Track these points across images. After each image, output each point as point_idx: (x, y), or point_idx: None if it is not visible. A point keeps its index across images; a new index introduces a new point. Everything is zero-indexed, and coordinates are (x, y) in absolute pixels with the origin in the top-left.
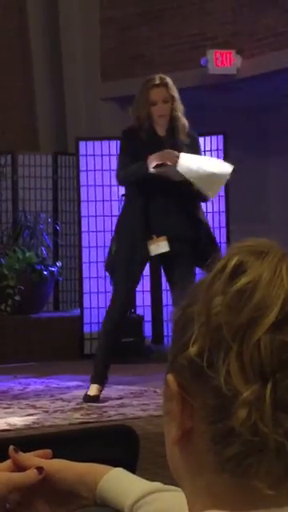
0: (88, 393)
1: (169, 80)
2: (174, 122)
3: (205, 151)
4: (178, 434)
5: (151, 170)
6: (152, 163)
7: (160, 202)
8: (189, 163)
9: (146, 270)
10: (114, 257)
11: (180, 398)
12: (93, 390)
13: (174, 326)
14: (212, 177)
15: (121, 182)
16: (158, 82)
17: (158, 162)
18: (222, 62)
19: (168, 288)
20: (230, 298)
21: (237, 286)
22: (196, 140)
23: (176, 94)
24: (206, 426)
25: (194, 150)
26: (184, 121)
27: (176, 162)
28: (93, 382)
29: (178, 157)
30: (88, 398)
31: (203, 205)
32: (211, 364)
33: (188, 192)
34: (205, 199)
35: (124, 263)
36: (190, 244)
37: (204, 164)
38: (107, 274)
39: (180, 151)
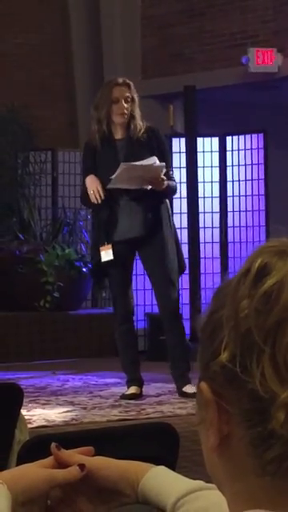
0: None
1: (131, 82)
2: (132, 122)
3: (245, 149)
4: (216, 441)
5: (108, 186)
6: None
7: (126, 208)
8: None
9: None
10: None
11: (215, 404)
12: (132, 389)
13: (201, 333)
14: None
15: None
16: (120, 81)
17: (93, 190)
18: (263, 60)
19: (207, 286)
20: (256, 300)
21: (263, 288)
22: (157, 133)
23: (136, 98)
24: (245, 431)
25: (157, 143)
26: (140, 123)
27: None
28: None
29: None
30: (125, 396)
31: (243, 203)
32: (245, 368)
33: (152, 192)
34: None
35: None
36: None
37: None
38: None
39: (137, 153)
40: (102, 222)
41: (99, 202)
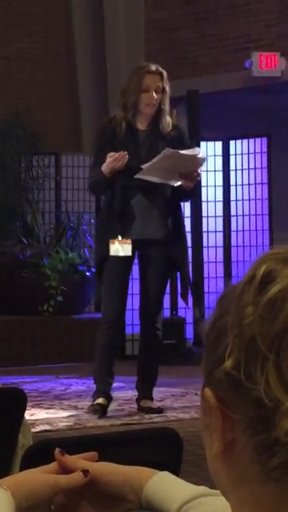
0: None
1: (164, 72)
2: (159, 115)
3: (248, 154)
4: (220, 447)
5: (138, 176)
6: (106, 171)
7: (140, 204)
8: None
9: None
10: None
11: (220, 411)
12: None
13: (205, 339)
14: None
15: (91, 192)
16: (153, 68)
17: (111, 169)
18: (267, 64)
19: (210, 290)
20: (261, 308)
21: (267, 295)
22: (183, 133)
23: (168, 88)
24: (248, 438)
25: (182, 144)
26: (169, 118)
27: (124, 163)
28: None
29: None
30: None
31: (247, 207)
32: (249, 376)
33: (172, 192)
34: (188, 196)
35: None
36: (163, 248)
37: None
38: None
39: (161, 148)
40: (116, 214)
41: (124, 163)
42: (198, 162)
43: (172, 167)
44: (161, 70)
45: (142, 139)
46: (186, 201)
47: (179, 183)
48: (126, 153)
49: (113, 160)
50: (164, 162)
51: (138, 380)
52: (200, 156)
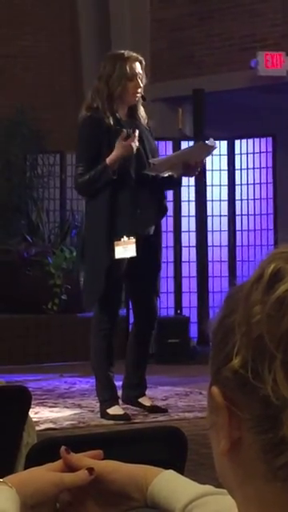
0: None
1: (143, 59)
2: (139, 105)
3: (253, 153)
4: (227, 446)
5: (146, 171)
6: (113, 161)
7: (129, 194)
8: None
9: (193, 271)
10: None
11: (227, 409)
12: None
13: (212, 337)
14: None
15: (82, 192)
16: (135, 55)
17: (120, 156)
18: (272, 63)
19: (215, 289)
20: (269, 306)
21: (275, 294)
22: (151, 128)
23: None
24: (255, 436)
25: (152, 137)
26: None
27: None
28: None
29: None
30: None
31: (252, 206)
32: (257, 374)
33: (161, 180)
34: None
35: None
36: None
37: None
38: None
39: (149, 139)
40: (119, 210)
41: (137, 146)
42: (208, 151)
43: (182, 159)
44: (140, 57)
45: (132, 131)
46: (172, 189)
47: (169, 173)
48: (136, 135)
49: (124, 145)
50: (184, 156)
51: (129, 376)
52: (213, 145)
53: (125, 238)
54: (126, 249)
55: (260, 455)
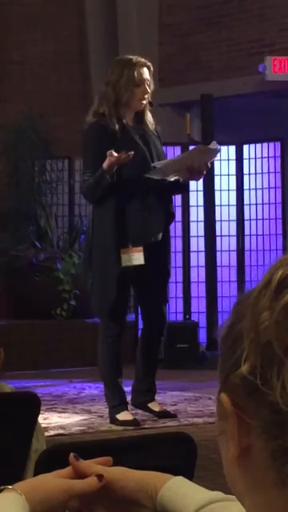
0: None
1: (151, 64)
2: (146, 111)
3: (262, 158)
4: (236, 452)
5: (148, 175)
6: (109, 167)
7: (136, 201)
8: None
9: (201, 276)
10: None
11: (236, 416)
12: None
13: (221, 344)
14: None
15: (87, 197)
16: (143, 61)
17: (114, 164)
18: (280, 68)
19: (223, 294)
20: (277, 313)
21: (283, 300)
22: (159, 133)
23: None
24: (264, 443)
25: (160, 143)
26: (149, 113)
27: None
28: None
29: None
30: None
31: (260, 211)
32: (265, 381)
33: (169, 186)
34: (183, 189)
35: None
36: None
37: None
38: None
39: (157, 145)
40: (126, 218)
41: (130, 157)
42: (213, 155)
43: (187, 163)
44: (148, 63)
45: (139, 136)
46: (179, 194)
47: (176, 178)
48: (132, 152)
49: (116, 158)
50: (185, 159)
51: (138, 381)
52: (215, 147)
53: (132, 246)
54: (133, 257)
55: (269, 462)
